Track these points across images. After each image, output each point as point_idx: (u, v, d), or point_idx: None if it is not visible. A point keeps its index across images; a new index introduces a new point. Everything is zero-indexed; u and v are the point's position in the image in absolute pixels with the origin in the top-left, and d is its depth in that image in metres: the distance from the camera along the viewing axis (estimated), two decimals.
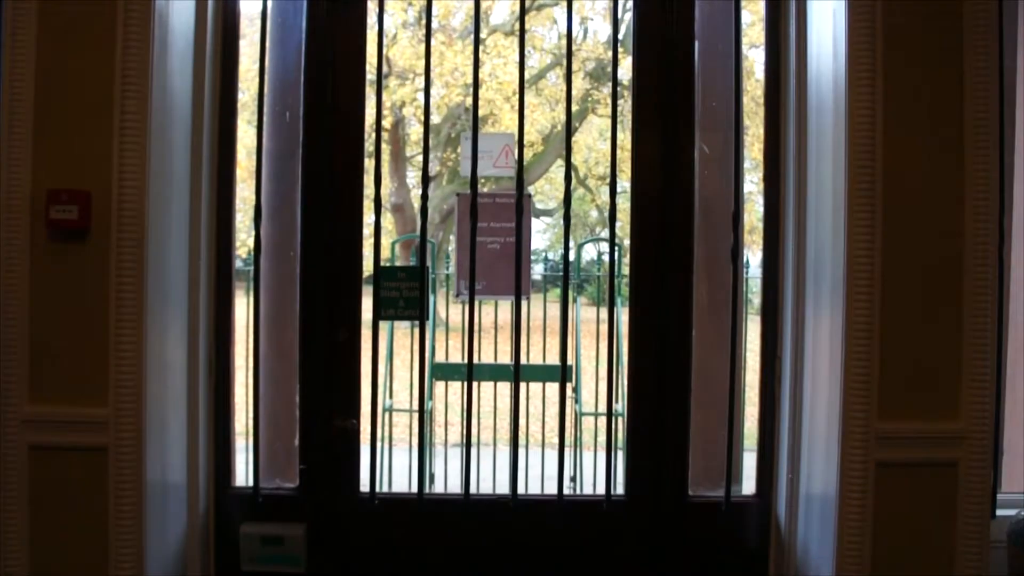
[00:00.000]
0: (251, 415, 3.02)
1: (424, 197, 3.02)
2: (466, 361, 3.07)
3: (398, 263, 8.56)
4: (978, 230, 2.58)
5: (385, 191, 13.16)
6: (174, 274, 2.76)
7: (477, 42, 3.07)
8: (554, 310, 6.83)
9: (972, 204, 2.58)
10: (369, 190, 3.00)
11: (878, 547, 2.58)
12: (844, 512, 2.57)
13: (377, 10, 2.99)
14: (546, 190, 15.33)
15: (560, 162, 13.04)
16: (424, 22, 3.07)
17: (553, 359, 6.10)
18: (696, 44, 3.01)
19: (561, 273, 3.11)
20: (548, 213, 15.67)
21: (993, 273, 2.61)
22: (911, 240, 2.58)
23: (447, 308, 6.40)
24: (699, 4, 3.02)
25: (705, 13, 3.05)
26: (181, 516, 2.85)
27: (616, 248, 3.12)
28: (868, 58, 2.56)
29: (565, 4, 3.06)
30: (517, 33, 3.07)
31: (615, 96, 3.06)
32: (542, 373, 5.58)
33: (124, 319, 2.55)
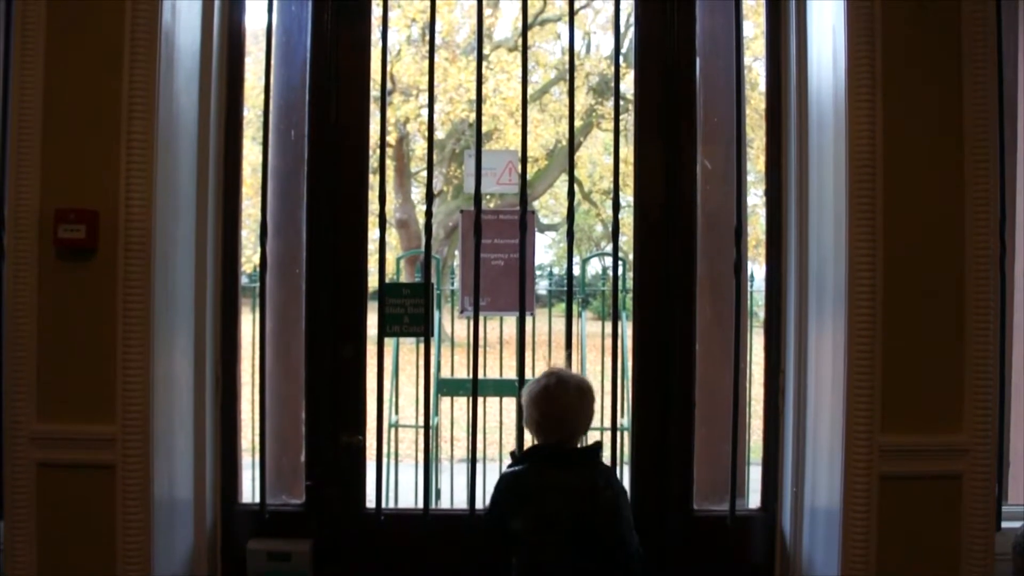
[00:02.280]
0: (257, 431, 3.03)
1: (428, 214, 3.04)
2: (471, 377, 3.08)
3: (403, 279, 8.57)
4: (979, 242, 2.59)
5: (390, 207, 13.19)
6: (181, 291, 2.78)
7: (480, 58, 3.10)
8: (559, 325, 6.83)
9: (972, 216, 2.59)
10: (374, 206, 3.01)
11: (882, 560, 2.58)
12: (848, 525, 2.58)
13: (381, 27, 3.01)
14: (551, 205, 15.37)
15: (565, 177, 13.09)
16: (428, 39, 3.09)
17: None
18: (697, 60, 3.03)
19: (566, 288, 3.12)
20: (553, 228, 15.71)
21: (995, 285, 2.62)
22: (912, 253, 2.59)
23: (452, 323, 6.39)
24: (700, 19, 3.04)
25: (706, 28, 3.06)
26: (188, 532, 2.86)
27: (621, 263, 3.13)
28: (868, 72, 2.57)
29: (567, 19, 3.08)
30: (521, 49, 3.08)
31: (617, 111, 3.08)
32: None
33: (131, 337, 2.56)
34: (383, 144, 3.03)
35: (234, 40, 3.00)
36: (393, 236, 13.40)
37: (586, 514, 2.53)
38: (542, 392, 2.66)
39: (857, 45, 2.58)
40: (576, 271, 6.20)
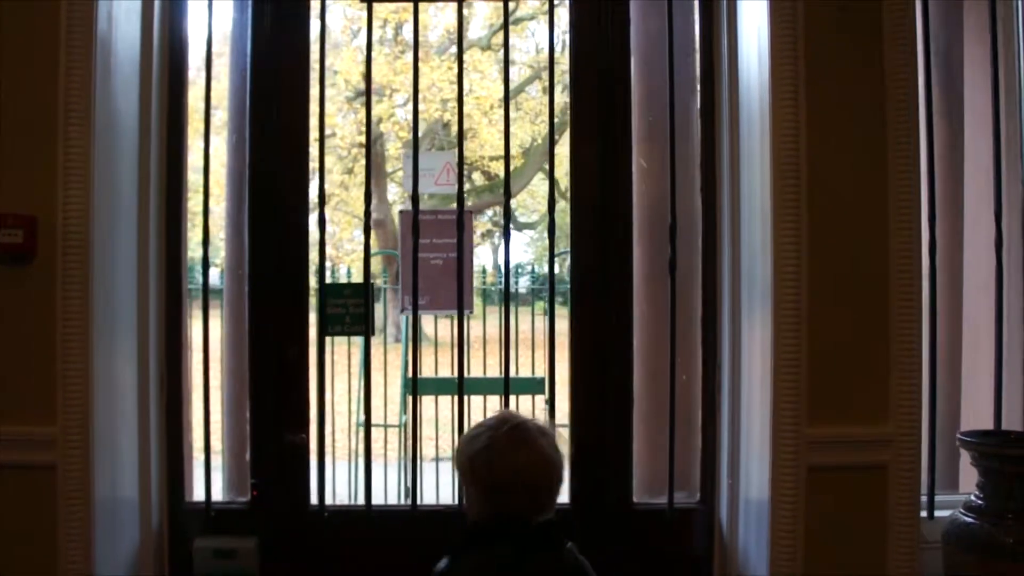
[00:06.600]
0: (203, 431, 3.06)
1: (367, 214, 3.09)
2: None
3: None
4: (902, 236, 2.64)
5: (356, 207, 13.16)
6: (122, 294, 2.80)
7: (416, 58, 3.14)
8: (540, 323, 6.87)
9: (896, 211, 2.64)
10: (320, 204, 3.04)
11: (811, 549, 2.62)
12: (776, 515, 2.62)
13: (318, 25, 3.05)
14: (527, 203, 15.38)
15: (541, 175, 13.10)
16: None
17: (527, 372, 6.13)
18: (632, 61, 3.09)
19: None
20: (531, 226, 15.73)
21: (917, 278, 2.66)
22: (837, 247, 2.65)
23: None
24: (636, 20, 3.10)
25: (642, 29, 3.12)
26: (134, 532, 2.88)
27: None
28: (791, 71, 2.61)
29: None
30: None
31: (551, 114, 3.13)
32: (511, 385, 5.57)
33: (71, 339, 2.58)
34: (322, 141, 3.05)
35: (175, 46, 3.00)
36: (371, 235, 13.38)
37: None
38: (500, 443, 2.04)
39: (780, 45, 2.62)
40: (554, 269, 6.22)
